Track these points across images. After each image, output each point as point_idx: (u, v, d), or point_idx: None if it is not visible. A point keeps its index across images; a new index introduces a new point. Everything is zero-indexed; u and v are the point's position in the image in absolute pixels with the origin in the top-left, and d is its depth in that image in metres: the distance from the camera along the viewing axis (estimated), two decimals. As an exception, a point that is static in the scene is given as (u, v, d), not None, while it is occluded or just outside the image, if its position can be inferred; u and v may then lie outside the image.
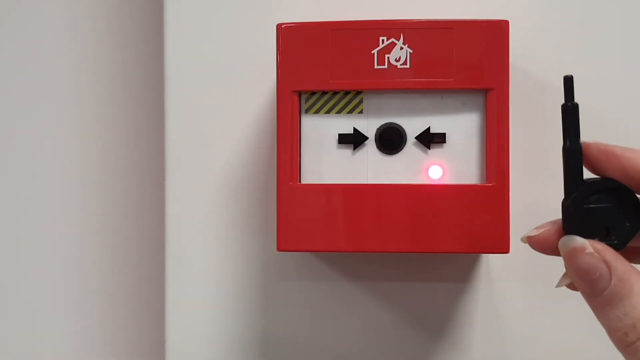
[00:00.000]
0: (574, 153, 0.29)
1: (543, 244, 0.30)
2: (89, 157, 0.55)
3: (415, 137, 0.38)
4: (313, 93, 0.38)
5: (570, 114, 0.29)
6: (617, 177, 0.28)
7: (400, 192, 0.37)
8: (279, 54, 0.38)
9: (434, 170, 0.38)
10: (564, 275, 0.29)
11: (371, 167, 0.38)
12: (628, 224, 0.29)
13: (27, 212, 0.56)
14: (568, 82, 0.29)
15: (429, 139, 0.38)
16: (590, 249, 0.27)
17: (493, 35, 0.37)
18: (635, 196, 0.29)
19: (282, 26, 0.38)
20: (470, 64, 0.37)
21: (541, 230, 0.30)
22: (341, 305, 0.45)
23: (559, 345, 0.44)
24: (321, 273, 0.45)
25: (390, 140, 0.38)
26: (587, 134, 0.43)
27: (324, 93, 0.38)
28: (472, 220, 0.37)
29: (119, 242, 0.55)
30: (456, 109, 0.38)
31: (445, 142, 0.38)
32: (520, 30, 0.40)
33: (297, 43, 0.37)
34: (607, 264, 0.27)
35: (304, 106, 0.38)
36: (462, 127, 0.38)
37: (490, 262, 0.44)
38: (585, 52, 0.43)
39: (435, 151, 0.38)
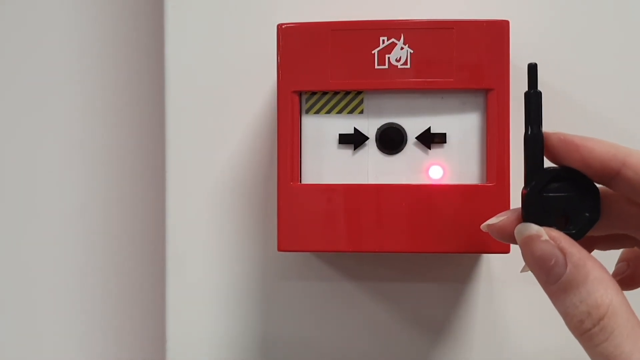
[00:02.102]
0: (535, 141, 0.29)
1: (502, 232, 0.30)
2: (89, 157, 0.55)
3: (416, 137, 0.38)
4: (313, 93, 0.38)
5: (533, 101, 0.29)
6: (577, 167, 0.28)
7: (401, 192, 0.37)
8: (279, 54, 0.38)
9: (435, 170, 0.38)
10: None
11: (371, 167, 0.38)
12: (587, 214, 0.28)
13: (27, 212, 0.56)
14: (532, 70, 0.29)
15: (430, 139, 0.38)
16: (545, 236, 0.27)
17: (493, 35, 0.37)
18: (595, 186, 0.28)
19: (282, 26, 0.38)
20: (470, 64, 0.37)
21: (501, 218, 0.30)
22: (341, 305, 0.45)
23: (559, 345, 0.44)
24: (321, 273, 0.45)
25: (391, 140, 0.38)
26: (587, 133, 0.43)
27: (325, 93, 0.38)
28: (473, 220, 0.37)
29: (119, 242, 0.55)
30: (456, 109, 0.38)
31: (445, 142, 0.38)
32: (520, 30, 0.40)
33: (297, 43, 0.37)
34: (563, 251, 0.27)
35: (305, 106, 0.38)
36: (463, 127, 0.38)
37: (490, 262, 0.44)
38: (585, 51, 0.43)
39: (435, 151, 0.38)
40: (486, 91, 0.37)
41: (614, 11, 0.43)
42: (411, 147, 0.38)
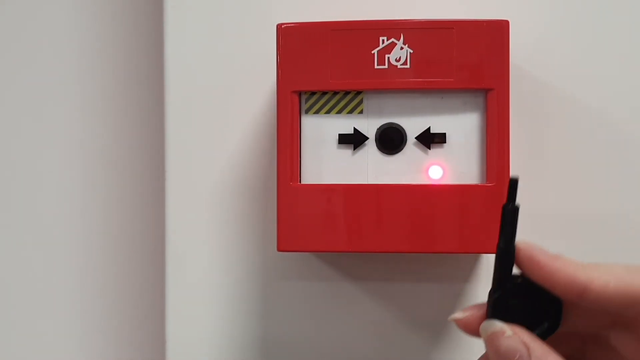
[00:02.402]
0: (506, 255, 0.30)
1: (467, 327, 0.31)
2: (89, 157, 0.55)
3: (416, 137, 0.38)
4: (313, 93, 0.38)
5: (509, 216, 0.30)
6: (541, 283, 0.29)
7: (401, 192, 0.37)
8: (279, 54, 0.38)
9: (434, 170, 0.38)
10: (482, 357, 0.31)
11: (371, 167, 0.38)
12: (546, 324, 0.30)
13: (28, 212, 0.56)
14: (513, 184, 0.30)
15: (429, 139, 0.38)
16: (509, 332, 0.29)
17: (493, 35, 0.37)
18: (557, 300, 0.30)
19: (282, 26, 0.38)
20: (470, 64, 0.37)
21: (467, 314, 0.31)
22: (341, 305, 0.45)
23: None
24: (321, 273, 0.45)
25: (391, 140, 0.38)
26: (587, 134, 0.43)
27: (324, 93, 0.38)
28: (472, 221, 0.37)
29: (119, 242, 0.55)
30: (456, 109, 0.38)
31: (445, 142, 0.38)
32: (520, 30, 0.40)
33: (297, 43, 0.37)
34: (526, 346, 0.28)
35: (304, 106, 0.38)
36: (463, 127, 0.38)
37: (490, 262, 0.44)
38: (585, 51, 0.43)
39: (435, 151, 0.38)
40: (486, 91, 0.37)
41: (614, 11, 0.43)
42: (411, 147, 0.38)
